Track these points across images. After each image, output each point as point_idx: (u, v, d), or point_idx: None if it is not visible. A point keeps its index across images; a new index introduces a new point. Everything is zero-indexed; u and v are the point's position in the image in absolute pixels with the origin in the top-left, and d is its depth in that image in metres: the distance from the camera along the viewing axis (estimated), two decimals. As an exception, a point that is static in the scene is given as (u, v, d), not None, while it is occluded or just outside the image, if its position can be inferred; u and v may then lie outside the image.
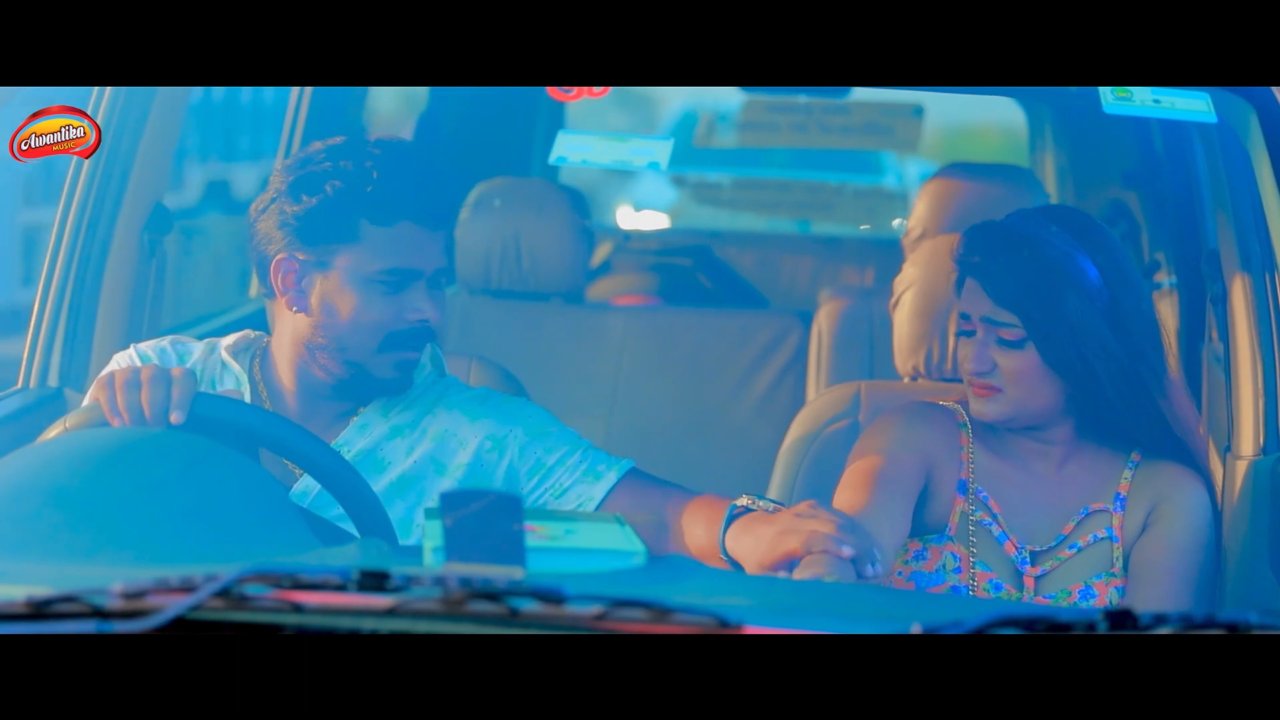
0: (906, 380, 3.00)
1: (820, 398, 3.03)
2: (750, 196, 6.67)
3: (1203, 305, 3.33)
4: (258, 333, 2.59)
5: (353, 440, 2.48)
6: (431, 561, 1.81)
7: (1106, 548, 2.55)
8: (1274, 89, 2.52)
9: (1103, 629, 1.66)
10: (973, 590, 2.53)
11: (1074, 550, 2.55)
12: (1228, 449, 2.68)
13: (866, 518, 2.35)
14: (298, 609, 1.64)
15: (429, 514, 1.93)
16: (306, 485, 2.42)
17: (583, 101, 2.34)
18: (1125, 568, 2.54)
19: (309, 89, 4.12)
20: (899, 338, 3.01)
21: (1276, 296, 2.62)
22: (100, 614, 1.64)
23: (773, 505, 2.34)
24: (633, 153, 2.41)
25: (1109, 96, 2.40)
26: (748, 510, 2.34)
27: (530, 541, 1.73)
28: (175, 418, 2.27)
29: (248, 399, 2.47)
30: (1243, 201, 2.69)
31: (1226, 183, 2.74)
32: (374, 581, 1.66)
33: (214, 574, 1.65)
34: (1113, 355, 2.48)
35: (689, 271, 5.33)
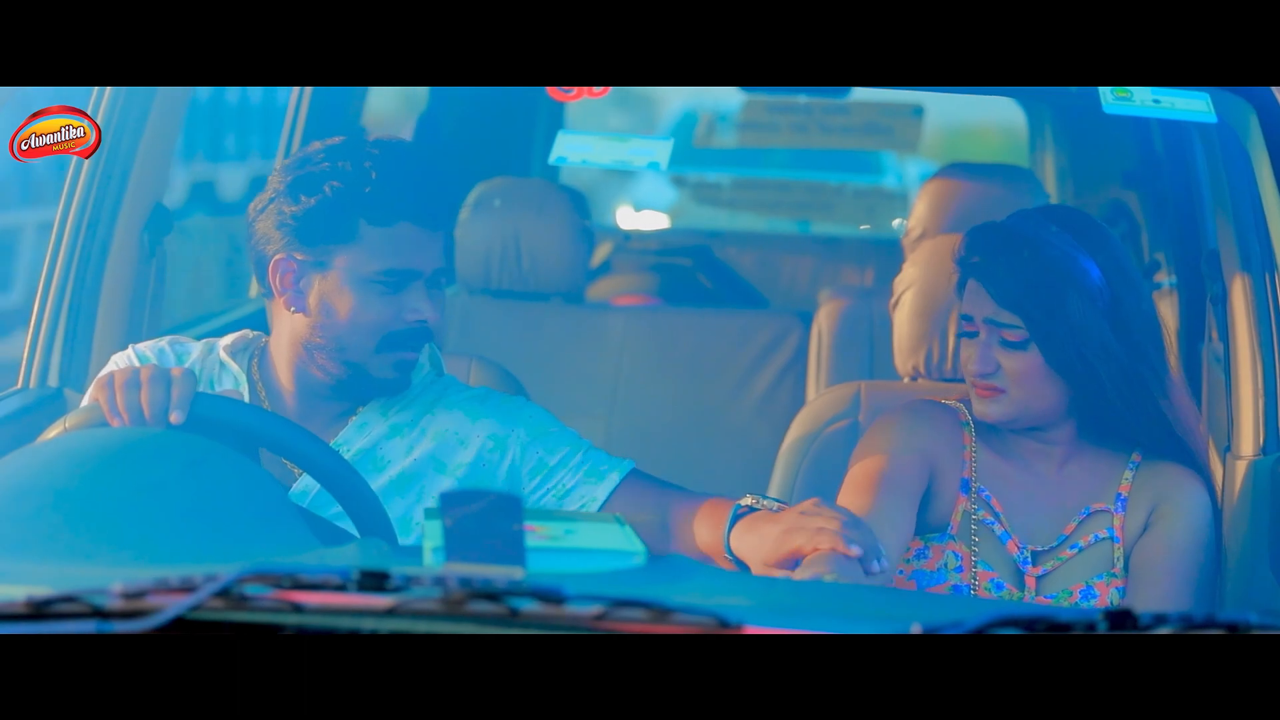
0: (906, 380, 3.00)
1: (820, 398, 3.03)
2: (750, 196, 6.67)
3: (1203, 305, 3.33)
4: (256, 333, 2.59)
5: (352, 440, 2.48)
6: (431, 561, 1.81)
7: (1107, 548, 2.55)
8: (1274, 89, 2.52)
9: (1103, 629, 1.66)
10: (974, 589, 2.52)
11: (1075, 550, 2.55)
12: (1228, 449, 2.68)
13: (871, 518, 2.35)
14: (298, 609, 1.64)
15: (429, 514, 1.93)
16: (306, 485, 2.42)
17: (583, 101, 2.34)
18: (1126, 568, 2.54)
19: (309, 89, 4.12)
20: (899, 338, 3.00)
21: (1276, 296, 2.62)
22: (100, 614, 1.64)
23: (777, 504, 2.34)
24: (633, 153, 2.40)
25: (1109, 96, 2.40)
26: (752, 510, 2.35)
27: (530, 541, 1.73)
28: (175, 418, 2.26)
29: (246, 399, 2.46)
30: (1243, 201, 2.69)
31: (1226, 183, 2.74)
32: (374, 581, 1.65)
33: (214, 574, 1.65)
34: (1114, 355, 2.48)
35: (689, 271, 5.32)
